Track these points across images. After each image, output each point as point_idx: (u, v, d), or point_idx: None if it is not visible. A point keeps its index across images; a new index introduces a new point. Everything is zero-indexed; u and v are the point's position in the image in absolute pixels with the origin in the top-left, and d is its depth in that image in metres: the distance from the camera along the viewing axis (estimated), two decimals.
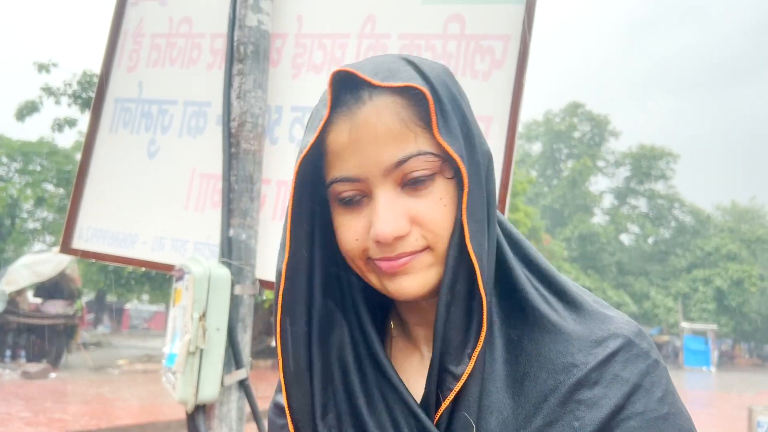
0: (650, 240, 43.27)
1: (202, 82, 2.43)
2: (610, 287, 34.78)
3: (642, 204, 44.25)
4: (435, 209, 0.71)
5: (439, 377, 0.72)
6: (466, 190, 0.70)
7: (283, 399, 0.79)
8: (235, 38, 2.24)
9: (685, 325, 33.91)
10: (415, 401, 0.73)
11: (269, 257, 2.22)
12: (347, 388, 0.76)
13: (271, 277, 2.21)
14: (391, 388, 0.75)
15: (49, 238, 21.58)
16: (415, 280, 0.72)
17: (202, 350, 2.01)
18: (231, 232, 2.15)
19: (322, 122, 0.70)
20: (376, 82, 0.69)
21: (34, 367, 13.24)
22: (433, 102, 0.69)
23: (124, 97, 2.59)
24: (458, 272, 0.71)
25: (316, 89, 2.24)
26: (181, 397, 2.00)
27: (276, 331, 0.76)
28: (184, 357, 1.98)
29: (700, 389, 22.21)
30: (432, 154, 0.70)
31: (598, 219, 42.52)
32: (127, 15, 2.65)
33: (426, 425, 0.71)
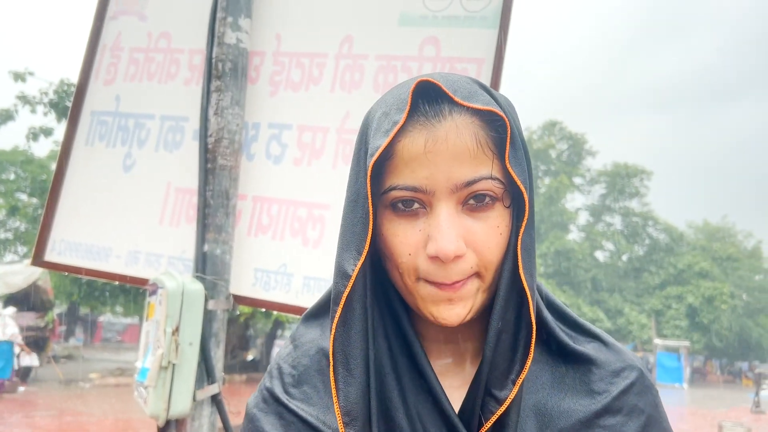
0: (624, 257, 43.73)
1: (180, 97, 2.45)
2: (585, 303, 35.05)
3: (617, 221, 44.75)
4: (491, 235, 0.71)
5: (482, 399, 0.73)
6: (525, 220, 0.71)
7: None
8: (214, 55, 2.26)
9: (658, 341, 34.23)
10: (457, 418, 0.74)
11: (244, 272, 2.23)
12: (382, 396, 0.74)
13: (245, 292, 2.21)
14: (431, 401, 0.75)
15: (21, 249, 21.23)
16: (464, 308, 0.72)
17: (174, 365, 2.01)
18: (206, 247, 2.16)
19: (396, 127, 0.69)
20: (459, 100, 0.69)
21: (2, 381, 12.98)
22: (510, 130, 0.70)
23: (101, 110, 2.60)
24: (509, 300, 0.72)
25: (293, 107, 2.27)
26: (153, 412, 1.99)
27: (331, 334, 0.73)
28: (157, 371, 1.97)
29: (672, 405, 22.42)
30: (499, 180, 0.70)
31: (574, 236, 42.90)
32: (106, 29, 2.66)
33: None
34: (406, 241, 0.72)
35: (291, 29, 2.33)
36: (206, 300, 2.10)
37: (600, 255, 43.37)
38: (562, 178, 39.59)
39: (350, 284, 0.71)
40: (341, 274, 0.73)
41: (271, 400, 0.82)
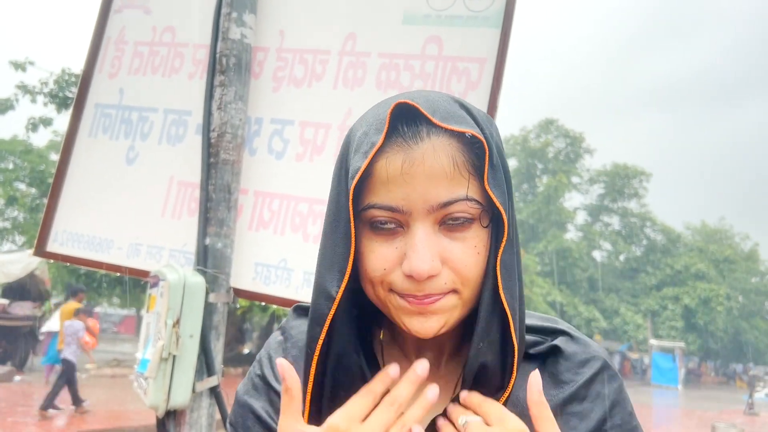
0: (621, 257, 43.82)
1: (183, 92, 2.46)
2: (581, 303, 35.12)
3: (615, 221, 44.82)
4: (468, 254, 0.72)
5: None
6: (504, 240, 0.73)
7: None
8: (218, 50, 2.27)
9: (653, 342, 34.33)
10: None
11: (244, 266, 2.25)
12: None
13: (245, 285, 2.23)
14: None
15: (19, 239, 21.23)
16: (438, 322, 0.73)
17: (174, 357, 2.03)
18: (207, 241, 2.18)
19: (374, 149, 0.70)
20: (437, 121, 0.70)
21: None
22: (488, 152, 0.71)
23: (105, 102, 2.61)
24: (492, 321, 0.74)
25: (295, 103, 2.29)
26: (153, 403, 2.01)
27: (315, 357, 0.75)
28: (157, 363, 2.00)
29: (666, 406, 22.49)
30: (476, 201, 0.71)
31: (572, 235, 42.95)
32: (111, 22, 2.68)
33: None
34: (381, 257, 0.73)
35: (294, 26, 2.34)
36: (207, 293, 2.12)
37: (597, 255, 43.46)
38: (560, 177, 39.59)
39: (334, 307, 0.73)
40: (325, 296, 0.74)
41: (263, 385, 0.86)
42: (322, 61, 2.25)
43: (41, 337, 14.37)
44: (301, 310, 0.94)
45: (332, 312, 0.73)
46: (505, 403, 0.76)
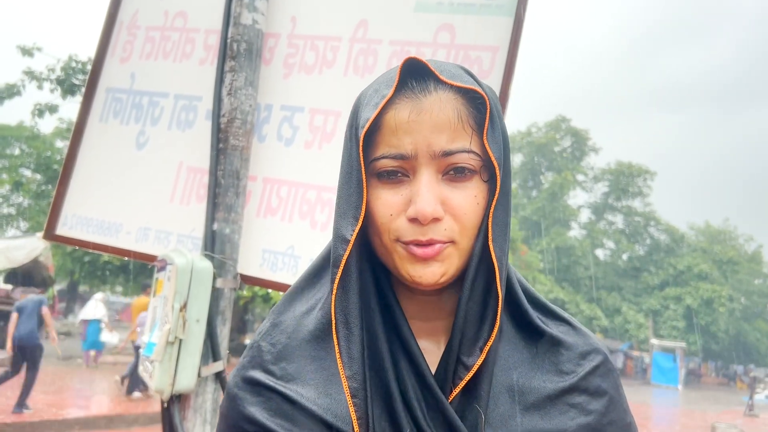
0: (624, 256, 43.74)
1: (194, 77, 2.46)
2: (583, 301, 35.09)
3: (618, 220, 44.75)
4: (469, 203, 0.76)
5: (454, 366, 0.78)
6: (497, 193, 0.76)
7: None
8: (229, 35, 2.27)
9: (654, 341, 34.32)
10: (433, 379, 0.78)
11: (252, 252, 2.26)
12: (375, 355, 0.79)
13: (253, 272, 2.24)
14: (412, 363, 0.79)
15: (23, 224, 21.28)
16: (439, 268, 0.76)
17: (181, 341, 2.04)
18: (215, 226, 2.18)
19: (384, 100, 0.75)
20: (444, 78, 0.75)
21: (0, 354, 13.04)
22: (490, 108, 0.75)
23: (116, 87, 2.61)
24: (479, 270, 0.77)
25: (306, 90, 2.28)
26: (158, 386, 2.02)
27: (333, 297, 0.78)
28: (163, 346, 2.00)
29: (666, 406, 22.49)
30: (477, 154, 0.76)
31: (575, 233, 42.90)
32: (123, 6, 2.68)
33: (439, 398, 0.77)
34: (387, 203, 0.77)
35: (306, 12, 2.34)
36: (214, 278, 2.13)
37: (600, 253, 43.40)
38: (566, 174, 39.54)
39: (349, 248, 0.76)
40: (340, 239, 0.77)
41: (250, 379, 0.85)
42: (333, 48, 2.25)
43: (79, 321, 15.12)
44: (292, 293, 0.94)
45: (347, 252, 0.76)
46: (485, 376, 0.77)
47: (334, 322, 0.77)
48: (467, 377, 0.76)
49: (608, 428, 0.82)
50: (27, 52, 15.24)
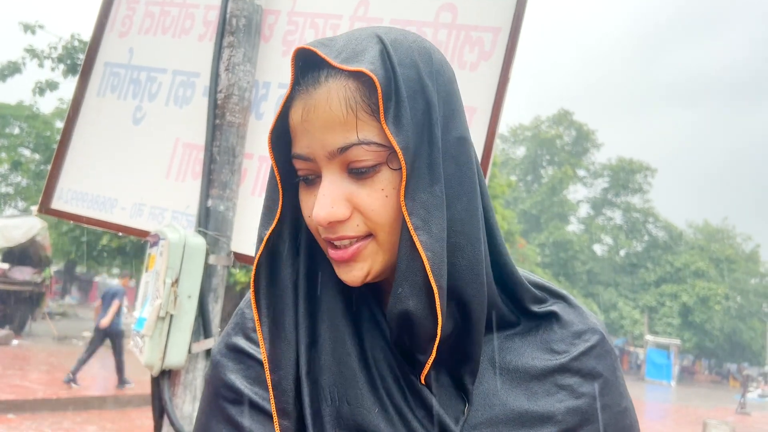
0: (622, 252, 43.81)
1: (193, 53, 2.44)
2: (580, 295, 35.16)
3: (617, 216, 44.78)
4: (375, 198, 0.70)
5: (408, 363, 0.74)
6: (403, 181, 0.68)
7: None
8: (228, 10, 2.25)
9: (649, 337, 34.43)
10: (409, 371, 0.74)
11: (246, 231, 2.24)
12: (337, 349, 0.74)
13: (247, 250, 2.23)
14: (387, 344, 0.75)
15: (22, 204, 21.25)
16: (361, 270, 0.72)
17: (172, 316, 2.03)
18: (209, 203, 2.16)
19: (283, 99, 0.72)
20: (334, 63, 0.68)
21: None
22: (381, 89, 0.67)
23: (114, 62, 2.59)
24: (411, 264, 0.69)
25: None
26: (148, 361, 2.01)
27: (252, 293, 0.76)
28: (154, 321, 1.99)
29: (659, 402, 22.58)
30: (376, 143, 0.68)
31: (574, 227, 42.95)
32: None
33: (413, 381, 0.73)
34: (306, 206, 0.74)
35: None
36: (207, 255, 2.11)
37: (598, 248, 43.46)
38: (566, 169, 39.52)
39: (261, 247, 0.75)
40: (258, 239, 0.76)
41: (232, 346, 0.85)
42: (333, 26, 2.23)
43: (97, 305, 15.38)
44: None
45: (259, 252, 0.75)
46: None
47: (257, 320, 0.76)
48: (424, 371, 0.72)
49: (601, 413, 0.77)
50: (29, 28, 15.13)
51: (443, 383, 0.74)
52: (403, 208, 0.68)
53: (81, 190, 2.52)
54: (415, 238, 0.67)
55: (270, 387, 0.74)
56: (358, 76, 0.68)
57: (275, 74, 2.31)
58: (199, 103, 2.37)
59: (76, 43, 14.58)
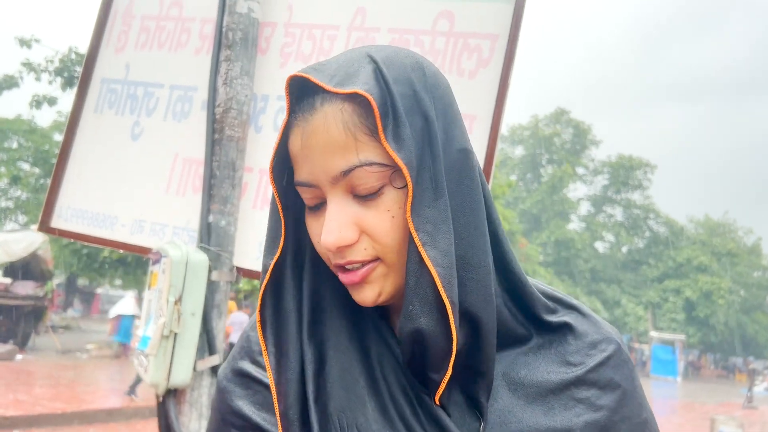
0: (624, 249, 43.79)
1: (190, 67, 2.43)
2: (583, 293, 35.13)
3: (618, 213, 44.76)
4: (382, 220, 0.69)
5: (422, 382, 0.72)
6: (409, 198, 0.67)
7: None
8: (224, 24, 2.23)
9: (654, 334, 34.40)
10: (421, 390, 0.73)
11: (248, 245, 2.23)
12: (345, 374, 0.73)
13: (249, 264, 2.21)
14: (399, 366, 0.74)
15: (22, 218, 21.25)
16: (372, 291, 0.72)
17: (176, 334, 2.01)
18: (210, 218, 2.15)
19: (282, 127, 0.71)
20: (328, 87, 0.67)
21: (0, 348, 13.07)
22: (378, 109, 0.66)
23: (111, 77, 2.58)
24: (420, 281, 0.67)
25: None
26: (153, 380, 1.99)
27: (258, 323, 0.75)
28: (158, 340, 1.98)
29: (665, 398, 22.54)
30: (378, 164, 0.67)
31: (575, 225, 42.92)
32: None
33: (426, 401, 0.72)
34: (312, 232, 0.74)
35: (303, 0, 2.30)
36: (209, 271, 2.10)
37: (600, 246, 43.45)
38: (566, 167, 39.52)
39: (267, 276, 0.74)
40: (263, 269, 0.75)
41: (239, 371, 0.83)
42: (331, 36, 2.21)
43: (111, 317, 15.98)
44: None
45: (264, 282, 0.74)
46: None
47: (264, 350, 0.75)
48: (439, 392, 0.70)
49: (620, 425, 0.75)
50: (25, 43, 15.15)
51: (457, 402, 0.73)
52: (410, 225, 0.67)
53: (81, 208, 2.50)
54: (424, 255, 0.66)
55: (278, 417, 0.73)
56: (353, 98, 0.67)
57: (273, 87, 2.29)
58: (198, 117, 2.35)
59: (73, 56, 14.58)
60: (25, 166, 19.69)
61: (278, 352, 0.74)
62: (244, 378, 0.82)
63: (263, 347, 0.75)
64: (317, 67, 0.71)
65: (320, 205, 0.72)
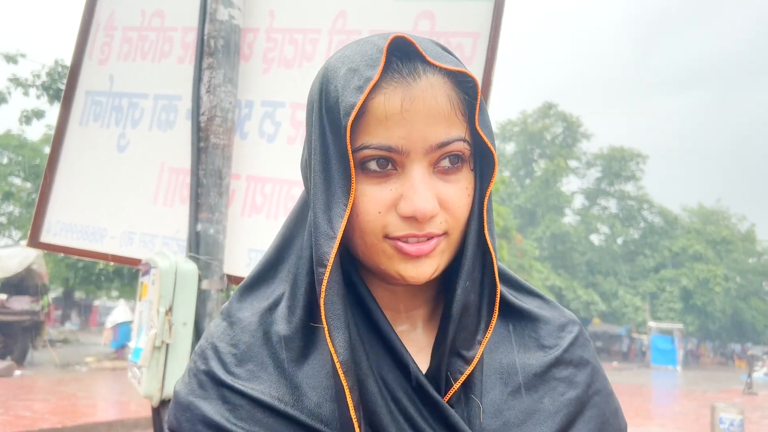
0: (619, 240, 43.87)
1: (173, 76, 2.42)
2: (580, 286, 35.19)
3: (612, 205, 44.87)
4: (461, 196, 0.71)
5: (449, 360, 0.73)
6: (492, 182, 0.73)
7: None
8: (206, 32, 2.23)
9: (652, 324, 34.47)
10: (425, 379, 0.73)
11: (238, 252, 2.22)
12: (356, 370, 0.71)
13: (239, 272, 2.20)
14: (397, 365, 0.74)
15: (15, 233, 21.17)
16: (431, 266, 0.71)
17: (168, 345, 2.00)
18: (199, 227, 2.14)
19: (371, 83, 0.66)
20: (431, 59, 0.68)
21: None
22: (480, 92, 0.70)
23: (95, 90, 2.57)
24: (475, 260, 0.73)
25: (287, 84, 2.25)
26: (147, 392, 1.99)
27: (322, 301, 0.69)
28: (150, 351, 1.97)
29: (666, 387, 22.59)
30: (468, 143, 0.71)
31: (569, 219, 43.01)
32: (99, 7, 2.63)
33: (435, 399, 0.72)
34: (375, 200, 0.70)
35: (284, 5, 2.29)
36: (200, 280, 2.09)
37: (595, 238, 43.53)
38: (559, 161, 39.59)
39: (336, 244, 0.68)
40: (325, 236, 0.69)
41: (211, 383, 0.75)
42: (313, 40, 2.21)
43: (108, 326, 16.75)
44: (246, 290, 0.84)
45: (334, 251, 0.68)
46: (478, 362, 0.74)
47: (326, 327, 0.68)
48: (468, 370, 0.72)
49: (594, 398, 0.80)
50: (11, 59, 15.11)
51: (457, 396, 0.74)
52: (485, 208, 0.73)
53: (69, 222, 2.49)
54: (488, 238, 0.73)
55: (348, 394, 0.67)
56: (452, 75, 0.69)
57: (257, 92, 2.29)
58: (183, 126, 2.35)
59: (60, 69, 14.54)
60: (17, 181, 19.62)
61: (339, 331, 0.69)
62: (219, 390, 0.74)
63: (324, 324, 0.68)
64: (411, 37, 0.69)
65: (386, 172, 0.70)
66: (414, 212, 0.68)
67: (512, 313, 0.84)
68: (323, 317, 0.69)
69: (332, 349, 0.68)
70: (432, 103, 0.68)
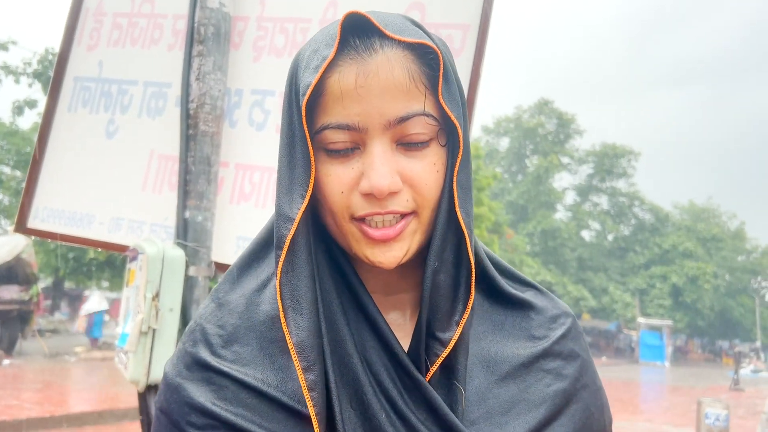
0: (610, 237, 44.10)
1: (163, 63, 2.41)
2: (570, 282, 35.34)
3: (603, 201, 45.06)
4: (428, 173, 0.70)
5: (426, 343, 0.72)
6: (459, 157, 0.70)
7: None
8: (196, 19, 2.22)
9: (641, 320, 34.68)
10: (407, 358, 0.73)
11: (226, 240, 2.22)
12: (335, 338, 0.72)
13: (227, 259, 2.21)
14: (380, 343, 0.73)
15: (5, 222, 21.04)
16: (400, 249, 0.70)
17: (154, 330, 2.01)
18: (187, 214, 2.14)
19: (326, 62, 0.66)
20: (389, 33, 0.67)
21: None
22: (443, 63, 0.68)
23: (84, 76, 2.56)
24: (446, 239, 0.71)
25: (276, 73, 2.24)
26: (133, 377, 1.99)
27: (278, 282, 0.69)
28: (136, 337, 1.97)
29: (654, 383, 22.75)
30: (433, 117, 0.69)
31: (561, 215, 43.16)
32: None
33: (416, 378, 0.72)
34: (338, 179, 0.70)
35: None
36: (187, 266, 2.09)
37: (586, 234, 43.74)
38: (552, 157, 39.67)
39: (294, 227, 0.68)
40: (284, 218, 0.69)
41: (197, 365, 0.75)
42: (303, 29, 2.21)
43: (83, 314, 17.21)
44: (234, 272, 0.84)
45: (291, 232, 0.68)
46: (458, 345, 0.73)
47: (281, 308, 0.69)
48: (444, 353, 0.71)
49: (582, 392, 0.79)
50: (2, 46, 15.00)
51: (439, 380, 0.74)
52: (455, 184, 0.70)
53: (57, 207, 2.49)
54: (459, 215, 0.70)
55: (300, 374, 0.68)
56: (412, 48, 0.68)
57: (247, 81, 2.29)
58: (172, 113, 2.34)
59: (51, 57, 14.44)
60: (6, 170, 19.49)
61: (297, 313, 0.69)
62: (205, 372, 0.73)
63: (279, 304, 0.69)
64: (367, 13, 0.69)
65: (348, 151, 0.70)
66: (371, 189, 0.67)
67: (504, 302, 0.83)
68: (278, 298, 0.69)
69: (285, 330, 0.68)
70: (388, 77, 0.67)
